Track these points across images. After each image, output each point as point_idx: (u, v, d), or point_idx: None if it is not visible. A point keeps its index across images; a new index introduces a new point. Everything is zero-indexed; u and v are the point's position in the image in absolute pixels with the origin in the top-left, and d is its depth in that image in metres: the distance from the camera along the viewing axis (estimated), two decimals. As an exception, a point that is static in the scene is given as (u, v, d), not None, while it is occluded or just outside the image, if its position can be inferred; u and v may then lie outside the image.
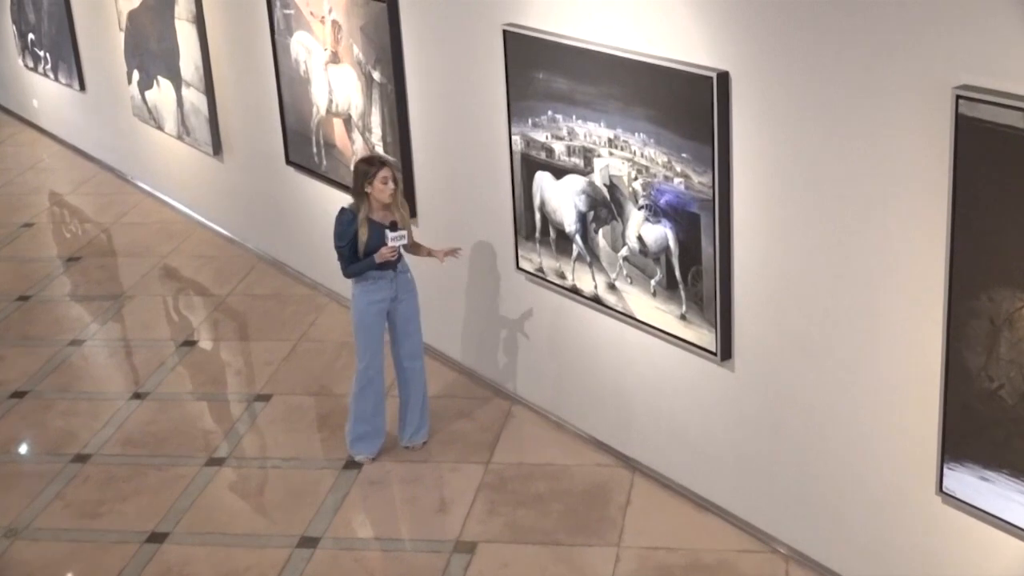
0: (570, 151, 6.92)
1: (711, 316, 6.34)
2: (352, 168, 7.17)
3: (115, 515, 7.23)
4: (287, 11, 9.04)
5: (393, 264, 7.20)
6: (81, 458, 7.80)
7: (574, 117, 6.80)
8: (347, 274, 7.19)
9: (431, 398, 7.96)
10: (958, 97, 4.89)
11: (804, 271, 5.87)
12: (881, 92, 5.25)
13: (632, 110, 6.42)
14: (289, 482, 7.43)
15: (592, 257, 7.01)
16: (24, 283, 10.40)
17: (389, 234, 7.09)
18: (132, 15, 11.32)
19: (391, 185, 7.10)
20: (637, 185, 6.54)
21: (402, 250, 7.22)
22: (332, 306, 9.55)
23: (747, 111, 5.89)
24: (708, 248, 6.23)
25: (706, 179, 6.11)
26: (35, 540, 7.08)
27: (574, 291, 7.22)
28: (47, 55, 13.35)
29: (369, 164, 7.10)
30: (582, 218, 7.00)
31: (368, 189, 7.05)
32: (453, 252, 7.44)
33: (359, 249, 7.11)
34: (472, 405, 8.06)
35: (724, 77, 5.92)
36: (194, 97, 10.62)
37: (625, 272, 6.82)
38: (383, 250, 7.09)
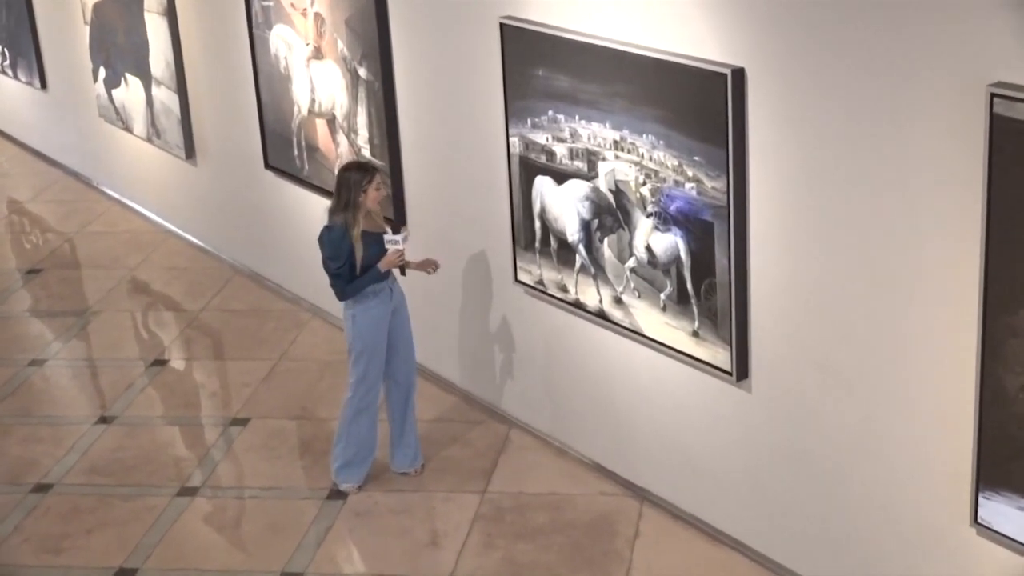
0: (573, 154, 6.92)
1: (726, 333, 6.34)
2: (338, 178, 7.15)
3: (79, 550, 7.22)
4: (266, 3, 9.05)
5: (388, 272, 7.20)
6: (42, 488, 7.79)
7: (577, 117, 6.80)
8: (347, 294, 7.16)
9: (421, 421, 7.96)
10: (993, 95, 4.89)
11: (826, 284, 5.87)
12: (909, 90, 5.25)
13: (640, 110, 6.42)
14: (268, 514, 7.42)
15: (597, 269, 7.01)
16: (-20, 298, 10.42)
17: (391, 237, 7.09)
18: (98, 7, 11.34)
19: (383, 191, 7.12)
20: (645, 191, 6.54)
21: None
22: (315, 322, 9.55)
23: (764, 111, 5.90)
24: (722, 259, 6.23)
25: (720, 184, 6.11)
26: (-8, 577, 7.07)
27: (577, 306, 7.22)
28: (5, 50, 13.35)
29: (363, 171, 7.09)
30: (586, 226, 7.00)
31: (361, 199, 7.05)
32: (428, 265, 7.43)
33: (357, 266, 7.10)
34: (466, 429, 8.05)
35: (739, 74, 5.92)
36: (165, 96, 10.62)
37: (632, 285, 6.82)
38: (390, 256, 7.10)
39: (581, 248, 7.07)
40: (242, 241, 10.45)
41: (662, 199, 6.45)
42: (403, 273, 7.39)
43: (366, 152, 8.43)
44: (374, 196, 7.07)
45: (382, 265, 7.11)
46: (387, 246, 7.12)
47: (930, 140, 5.23)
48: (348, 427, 7.39)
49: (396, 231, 7.18)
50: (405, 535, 7.15)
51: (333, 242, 7.07)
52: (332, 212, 7.12)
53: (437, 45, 7.79)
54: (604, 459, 7.48)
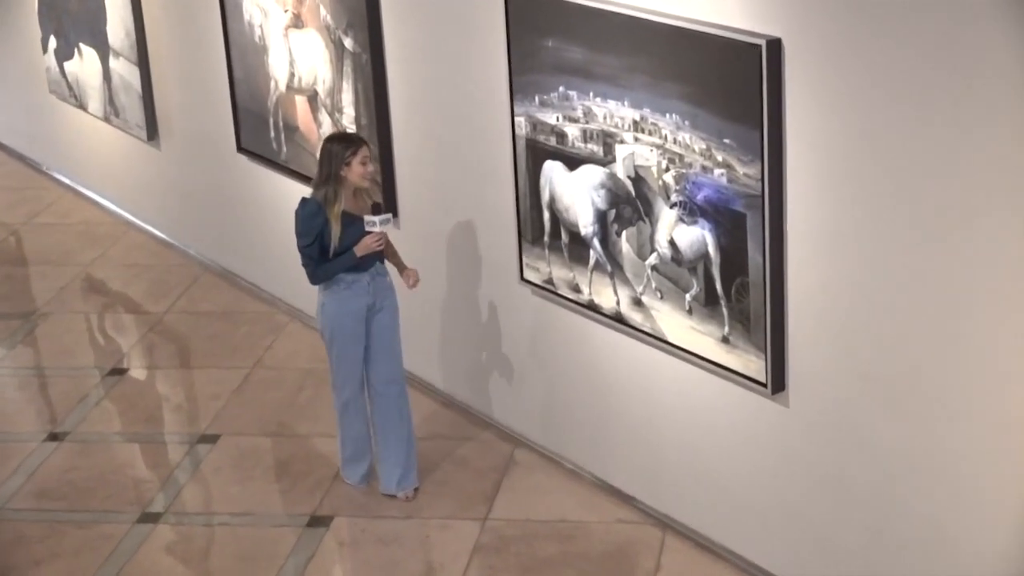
0: (586, 136, 6.93)
1: (760, 339, 6.35)
2: (320, 149, 7.22)
3: (26, 584, 7.24)
4: (239, -36, 9.07)
5: (370, 263, 7.23)
6: (-16, 513, 7.82)
7: (591, 94, 6.81)
8: (317, 279, 7.25)
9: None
10: (1064, 70, 4.90)
11: (874, 284, 5.87)
12: (971, 64, 5.25)
13: (663, 86, 6.43)
14: (240, 543, 7.43)
15: (613, 266, 7.02)
16: (-85, 298, 10.43)
17: (369, 218, 7.12)
18: (48, -31, 11.37)
19: (371, 167, 7.17)
20: (668, 178, 6.55)
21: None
22: (294, 326, 9.55)
23: (803, 86, 5.90)
24: (756, 255, 6.24)
25: (753, 170, 6.12)
26: (-72, 614, 7.08)
27: (591, 308, 7.22)
28: (-56, 17, 13.38)
29: (346, 143, 7.18)
30: (601, 218, 7.00)
31: (343, 173, 7.11)
32: (408, 276, 7.47)
33: (330, 248, 7.15)
34: (466, 448, 8.06)
35: (775, 45, 5.92)
36: (124, 69, 10.63)
37: (654, 284, 6.82)
38: (367, 239, 7.14)
39: (596, 242, 7.07)
40: (211, 234, 10.46)
41: (688, 187, 6.46)
42: (381, 260, 7.40)
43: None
44: (359, 171, 7.13)
45: (357, 250, 7.15)
46: (366, 228, 7.16)
47: (994, 122, 5.22)
48: (340, 422, 7.56)
49: (377, 212, 7.19)
50: (395, 568, 7.16)
51: (305, 217, 7.16)
52: (314, 185, 7.24)
53: (432, 12, 7.79)
54: (621, 482, 7.48)
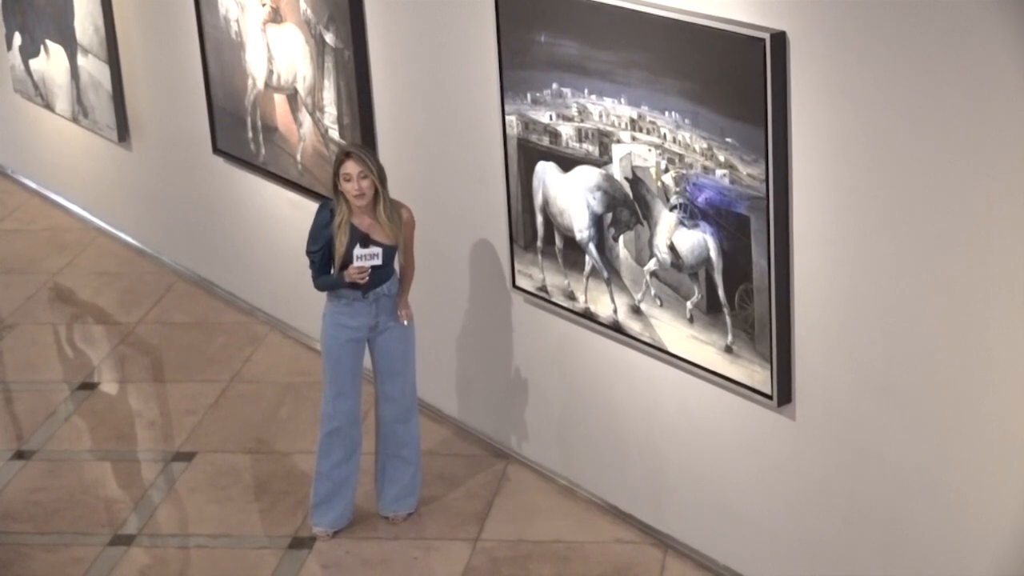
0: (581, 135, 6.94)
1: (765, 348, 6.36)
2: None
3: (-8, 610, 7.24)
4: (214, -45, 9.08)
5: (371, 283, 7.18)
6: (-53, 536, 7.81)
7: (587, 91, 6.82)
8: (317, 287, 7.29)
9: (402, 456, 7.96)
10: (1083, 64, 4.91)
11: (886, 289, 5.88)
12: (985, 60, 5.26)
13: (662, 82, 6.44)
14: (218, 566, 7.42)
15: (610, 272, 7.03)
16: None
17: (356, 251, 7.07)
18: (13, -39, 11.37)
19: (356, 185, 7.03)
20: (668, 179, 6.56)
21: (396, 268, 7.26)
22: (273, 337, 9.55)
23: (810, 83, 5.91)
24: (760, 260, 6.25)
25: (757, 171, 6.13)
26: None
27: (587, 316, 7.23)
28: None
29: (338, 154, 7.13)
30: (597, 222, 7.01)
31: (340, 187, 7.08)
32: (404, 315, 7.39)
33: (334, 260, 7.15)
34: (456, 465, 8.06)
35: (780, 39, 5.93)
36: (93, 67, 10.63)
37: (653, 291, 6.83)
38: (350, 269, 7.09)
39: (592, 248, 7.08)
40: (186, 240, 10.45)
41: (688, 189, 6.47)
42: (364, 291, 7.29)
43: (334, 133, 8.44)
44: (345, 188, 7.05)
45: (346, 275, 7.10)
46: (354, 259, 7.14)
47: (1011, 118, 5.23)
48: (318, 452, 7.41)
49: (365, 245, 7.09)
50: (382, 592, 7.17)
51: (316, 221, 7.20)
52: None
53: (419, 6, 7.80)
54: (619, 500, 7.48)
